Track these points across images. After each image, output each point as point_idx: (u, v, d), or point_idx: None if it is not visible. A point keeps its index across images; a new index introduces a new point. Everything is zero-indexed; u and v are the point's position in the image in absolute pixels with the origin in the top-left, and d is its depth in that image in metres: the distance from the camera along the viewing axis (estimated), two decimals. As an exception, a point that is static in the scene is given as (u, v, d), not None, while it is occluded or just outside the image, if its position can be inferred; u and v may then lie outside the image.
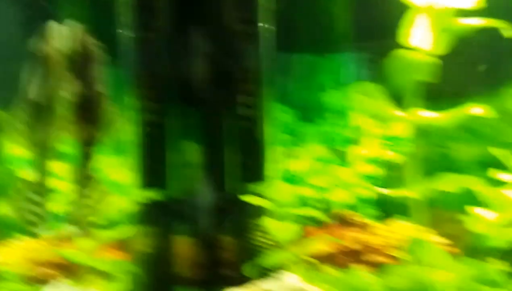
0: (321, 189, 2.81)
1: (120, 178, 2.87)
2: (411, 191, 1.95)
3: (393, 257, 2.29)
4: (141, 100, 2.28)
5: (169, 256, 2.26)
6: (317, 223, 2.65)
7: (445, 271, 1.77)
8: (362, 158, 2.90)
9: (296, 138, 3.31)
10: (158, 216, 2.28)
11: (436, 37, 1.84)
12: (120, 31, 2.30)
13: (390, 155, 2.34)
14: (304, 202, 2.64)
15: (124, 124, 2.46)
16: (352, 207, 2.82)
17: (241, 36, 2.34)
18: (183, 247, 2.27)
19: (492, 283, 1.75)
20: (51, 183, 2.71)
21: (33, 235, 2.66)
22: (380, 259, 2.39)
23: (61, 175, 2.77)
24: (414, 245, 1.86)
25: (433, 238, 2.25)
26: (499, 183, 1.95)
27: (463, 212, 2.01)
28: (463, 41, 2.07)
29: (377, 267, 2.23)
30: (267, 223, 2.22)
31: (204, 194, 2.34)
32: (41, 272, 2.40)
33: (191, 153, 2.40)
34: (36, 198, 2.70)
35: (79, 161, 2.69)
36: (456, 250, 2.17)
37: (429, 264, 1.80)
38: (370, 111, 1.91)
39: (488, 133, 2.75)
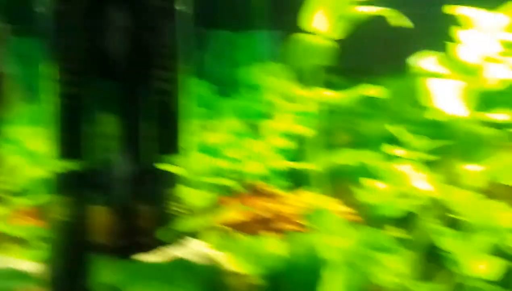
0: (236, 160, 2.91)
1: (37, 147, 2.90)
2: (316, 164, 2.08)
3: (300, 225, 2.43)
4: (59, 72, 2.32)
5: (85, 225, 2.32)
6: (231, 192, 2.76)
7: (341, 237, 1.91)
8: (275, 132, 3.02)
9: (212, 112, 3.40)
10: (74, 186, 2.33)
11: (333, 22, 1.96)
12: (38, 4, 2.33)
13: (300, 130, 2.47)
14: (218, 173, 2.75)
15: (42, 96, 2.49)
16: (265, 178, 2.94)
17: (158, 11, 2.41)
18: (99, 216, 2.33)
19: (384, 249, 1.90)
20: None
21: None
22: (288, 226, 2.52)
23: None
24: (315, 214, 1.99)
25: (337, 207, 2.40)
26: (394, 158, 2.11)
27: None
28: (368, 25, 2.21)
29: (285, 234, 2.36)
30: (182, 191, 2.31)
31: (120, 164, 2.41)
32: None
33: (108, 124, 2.46)
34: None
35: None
36: (357, 219, 2.32)
37: (328, 231, 1.94)
38: (276, 90, 2.03)
39: (393, 111, 2.92)
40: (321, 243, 1.93)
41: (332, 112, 2.96)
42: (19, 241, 2.30)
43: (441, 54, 1.96)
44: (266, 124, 3.09)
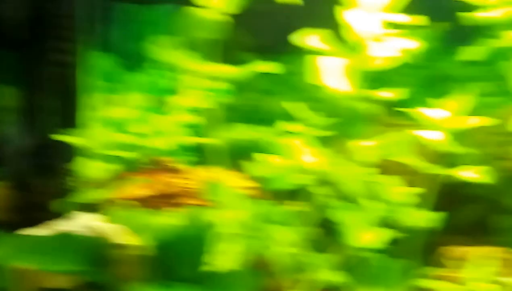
0: (140, 135, 2.88)
1: None
2: (215, 139, 2.08)
3: (203, 200, 2.43)
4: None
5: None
6: (136, 168, 2.73)
7: (237, 210, 1.93)
8: (181, 107, 3.01)
9: (118, 87, 3.35)
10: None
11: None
12: None
13: (206, 105, 2.46)
14: (121, 147, 2.71)
15: None
16: (171, 154, 2.92)
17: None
18: (-4, 190, 2.28)
19: (278, 222, 1.93)
20: None
21: None
22: (192, 201, 2.52)
23: None
24: (213, 188, 2.00)
25: (238, 182, 2.41)
26: (291, 133, 2.13)
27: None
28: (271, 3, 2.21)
29: (187, 208, 2.36)
30: (81, 164, 2.28)
31: (18, 137, 2.35)
32: None
33: (6, 96, 2.40)
34: None
35: None
36: (257, 193, 2.34)
37: (224, 205, 1.95)
38: (175, 64, 2.02)
39: (295, 88, 2.95)
40: (216, 216, 1.93)
41: (240, 89, 2.96)
42: None
43: (326, 32, 1.98)
44: (172, 99, 3.06)
